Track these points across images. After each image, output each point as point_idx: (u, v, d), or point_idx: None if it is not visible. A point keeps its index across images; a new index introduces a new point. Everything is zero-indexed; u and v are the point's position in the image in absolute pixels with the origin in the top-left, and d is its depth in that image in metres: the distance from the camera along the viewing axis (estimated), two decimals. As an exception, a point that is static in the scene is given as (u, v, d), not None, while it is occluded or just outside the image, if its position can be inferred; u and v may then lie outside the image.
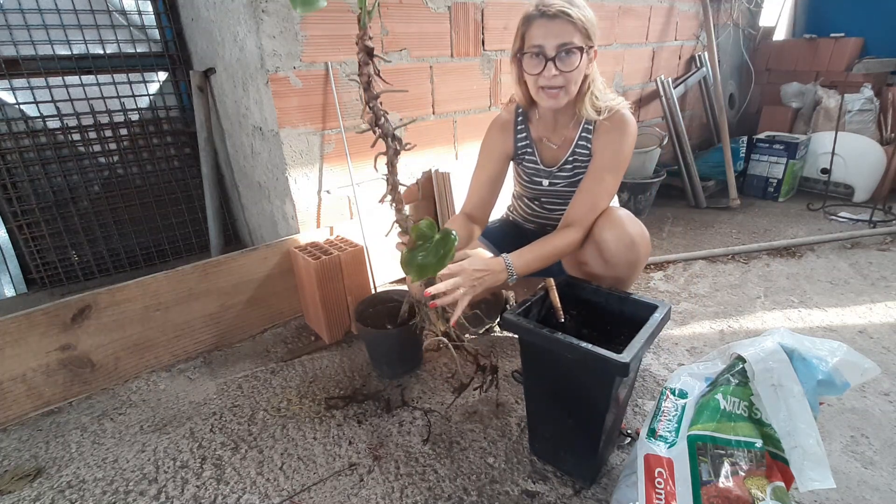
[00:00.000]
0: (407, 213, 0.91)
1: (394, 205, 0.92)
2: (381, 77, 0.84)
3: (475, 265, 1.02)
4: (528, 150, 1.28)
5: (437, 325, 1.03)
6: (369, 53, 0.81)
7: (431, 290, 0.95)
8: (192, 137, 2.06)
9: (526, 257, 1.10)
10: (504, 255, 1.09)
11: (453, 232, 0.87)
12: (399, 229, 0.96)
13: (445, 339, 1.02)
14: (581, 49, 1.04)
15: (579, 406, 0.96)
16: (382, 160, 0.90)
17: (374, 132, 0.85)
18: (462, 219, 1.27)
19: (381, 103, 0.84)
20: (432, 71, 1.78)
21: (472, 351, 1.06)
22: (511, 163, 1.34)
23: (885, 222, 2.31)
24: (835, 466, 1.04)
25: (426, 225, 0.87)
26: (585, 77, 1.12)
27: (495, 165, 1.29)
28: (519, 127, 1.28)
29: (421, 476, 1.06)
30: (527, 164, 1.30)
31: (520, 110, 1.27)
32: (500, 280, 1.06)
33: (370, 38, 0.80)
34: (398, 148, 0.87)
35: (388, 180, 0.90)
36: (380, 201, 0.93)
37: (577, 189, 1.19)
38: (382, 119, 0.84)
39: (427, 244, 0.87)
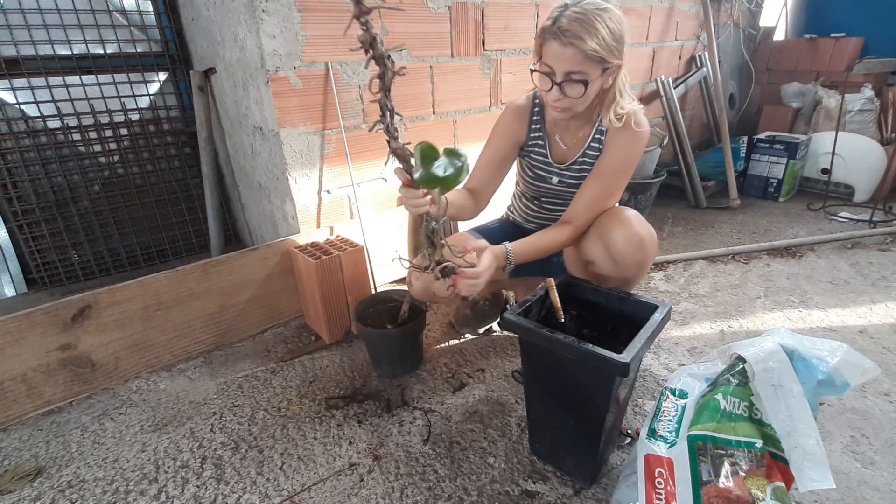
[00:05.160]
0: (401, 141, 0.83)
1: (389, 133, 0.82)
2: None
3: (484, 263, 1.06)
4: (540, 142, 1.25)
5: (436, 253, 0.97)
6: None
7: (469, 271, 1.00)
8: (192, 137, 2.06)
9: (524, 246, 1.16)
10: (506, 243, 1.13)
11: (457, 149, 0.85)
12: (396, 161, 0.88)
13: (438, 270, 0.97)
14: (586, 82, 1.02)
15: (579, 406, 0.96)
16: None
17: (367, 52, 0.76)
18: (461, 191, 1.25)
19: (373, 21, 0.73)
20: (432, 71, 1.78)
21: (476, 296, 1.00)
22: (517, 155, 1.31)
23: (886, 222, 2.31)
24: (835, 466, 1.04)
25: (426, 146, 0.83)
26: (608, 89, 1.10)
27: (504, 147, 1.27)
28: (535, 117, 1.25)
29: (421, 476, 1.06)
30: (534, 158, 1.28)
31: (537, 100, 1.25)
32: (501, 265, 1.12)
33: None
34: (393, 71, 0.78)
35: (381, 105, 0.81)
36: (370, 129, 0.87)
37: (580, 187, 1.19)
38: (378, 39, 0.74)
39: (438, 161, 0.83)
